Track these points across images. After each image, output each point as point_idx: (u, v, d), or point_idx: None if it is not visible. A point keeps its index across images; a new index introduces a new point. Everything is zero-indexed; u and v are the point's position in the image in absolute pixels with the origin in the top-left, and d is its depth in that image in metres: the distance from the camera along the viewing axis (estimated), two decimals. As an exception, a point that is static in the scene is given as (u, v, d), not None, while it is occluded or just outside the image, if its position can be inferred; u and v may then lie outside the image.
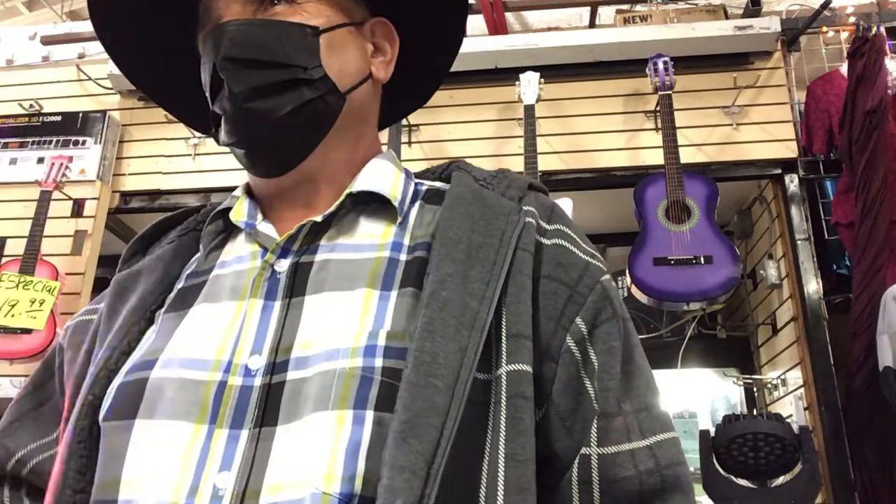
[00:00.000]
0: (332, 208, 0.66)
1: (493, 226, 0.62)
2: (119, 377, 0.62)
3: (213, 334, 0.62)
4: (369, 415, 0.54)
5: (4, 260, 2.85)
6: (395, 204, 0.68)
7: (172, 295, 0.68)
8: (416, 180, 0.75)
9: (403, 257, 0.64)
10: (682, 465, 0.62)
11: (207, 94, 0.68)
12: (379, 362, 0.56)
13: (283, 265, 0.65)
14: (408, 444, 0.50)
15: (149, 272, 0.71)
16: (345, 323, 0.59)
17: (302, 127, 0.67)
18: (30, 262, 2.64)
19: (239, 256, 0.68)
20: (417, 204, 0.70)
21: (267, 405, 0.56)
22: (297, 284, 0.63)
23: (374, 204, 0.68)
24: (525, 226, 0.63)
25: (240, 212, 0.70)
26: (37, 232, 2.67)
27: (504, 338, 0.58)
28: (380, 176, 0.70)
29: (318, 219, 0.66)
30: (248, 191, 0.74)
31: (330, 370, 0.56)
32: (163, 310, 0.67)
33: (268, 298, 0.63)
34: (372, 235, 0.66)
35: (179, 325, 0.64)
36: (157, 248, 0.75)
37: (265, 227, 0.69)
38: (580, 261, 0.65)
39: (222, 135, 0.67)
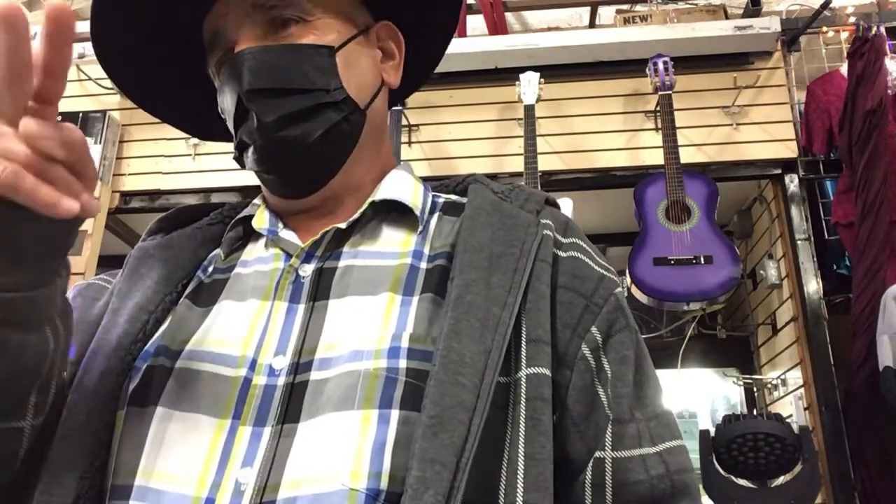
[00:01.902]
0: (356, 216, 0.68)
1: (513, 236, 0.65)
2: (145, 360, 0.63)
3: (238, 331, 0.63)
4: (395, 414, 0.55)
5: (4, 260, 2.85)
6: (417, 213, 0.70)
7: (201, 286, 0.69)
8: (433, 193, 0.77)
9: (424, 265, 0.66)
10: (691, 471, 0.64)
11: (230, 123, 0.69)
12: (403, 363, 0.57)
13: (308, 270, 0.66)
14: (438, 438, 0.52)
15: (178, 248, 0.72)
16: (368, 325, 0.60)
17: (330, 150, 0.69)
18: (30, 262, 2.64)
19: (260, 257, 0.70)
20: (436, 215, 0.72)
21: (290, 403, 0.58)
22: (321, 289, 0.65)
23: (394, 213, 0.70)
24: (543, 238, 0.65)
25: (262, 219, 0.72)
26: (37, 232, 2.67)
27: (524, 342, 0.60)
28: (401, 186, 0.72)
29: (343, 226, 0.67)
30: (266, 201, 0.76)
31: (354, 371, 0.57)
32: (187, 294, 0.69)
33: (292, 301, 0.64)
34: (393, 243, 0.68)
35: (205, 319, 0.65)
36: (185, 230, 0.76)
37: (287, 234, 0.70)
38: (595, 273, 0.68)
39: (250, 162, 0.69)
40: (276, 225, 0.71)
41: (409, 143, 2.90)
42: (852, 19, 2.80)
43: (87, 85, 3.19)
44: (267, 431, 0.57)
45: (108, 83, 3.10)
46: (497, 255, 0.63)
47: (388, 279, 0.64)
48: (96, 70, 3.15)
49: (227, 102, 0.68)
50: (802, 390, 2.65)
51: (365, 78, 0.72)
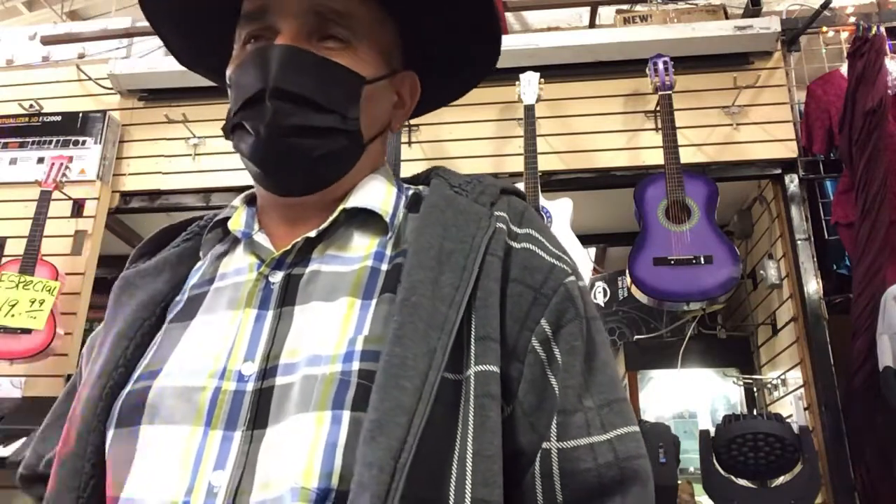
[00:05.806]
0: (326, 224, 0.70)
1: (464, 232, 0.66)
2: (129, 384, 0.67)
3: (210, 344, 0.66)
4: (346, 415, 0.58)
5: (4, 260, 2.85)
6: (387, 219, 0.71)
7: (180, 304, 0.72)
8: (405, 185, 0.79)
9: (384, 267, 0.68)
10: (642, 457, 0.65)
11: (237, 99, 0.70)
12: (356, 366, 0.60)
13: (278, 276, 0.69)
14: (376, 442, 0.54)
15: (156, 272, 0.75)
16: (328, 331, 0.63)
17: (324, 170, 0.71)
18: (30, 262, 2.64)
19: (238, 268, 0.72)
20: (402, 213, 0.74)
21: (258, 409, 0.61)
22: (288, 295, 0.67)
23: (364, 216, 0.72)
24: (496, 231, 0.67)
25: (238, 221, 0.74)
26: (37, 232, 2.67)
27: (473, 340, 0.62)
28: (373, 193, 0.74)
29: (312, 234, 0.69)
30: (248, 199, 0.78)
31: (312, 375, 0.60)
32: (170, 317, 0.71)
33: (261, 308, 0.67)
34: (359, 248, 0.70)
35: (182, 336, 0.68)
36: (163, 252, 0.79)
37: (261, 238, 0.73)
38: (546, 264, 0.68)
39: (247, 150, 0.69)
40: (252, 227, 0.74)
41: (409, 143, 2.90)
42: (852, 19, 2.80)
43: (88, 85, 3.19)
44: (237, 436, 0.60)
45: (108, 83, 3.10)
46: (448, 251, 0.64)
47: (349, 284, 0.66)
48: (96, 70, 3.15)
49: (244, 80, 0.69)
50: (802, 390, 2.65)
51: (378, 117, 0.75)
